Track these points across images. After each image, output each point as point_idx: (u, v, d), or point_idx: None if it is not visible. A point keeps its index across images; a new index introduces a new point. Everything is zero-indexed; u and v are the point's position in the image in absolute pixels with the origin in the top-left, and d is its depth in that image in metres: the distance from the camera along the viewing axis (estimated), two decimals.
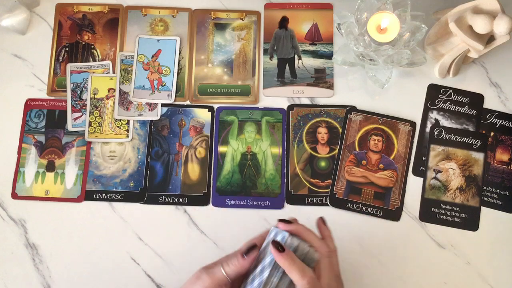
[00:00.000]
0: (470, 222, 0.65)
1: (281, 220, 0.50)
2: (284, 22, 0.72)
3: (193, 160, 0.67)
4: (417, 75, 0.70)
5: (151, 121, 0.68)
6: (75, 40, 0.71)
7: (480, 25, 0.58)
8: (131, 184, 0.66)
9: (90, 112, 0.68)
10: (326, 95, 0.69)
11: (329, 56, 0.70)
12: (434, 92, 0.69)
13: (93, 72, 0.69)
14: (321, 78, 0.70)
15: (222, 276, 0.48)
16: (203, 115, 0.68)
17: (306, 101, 0.69)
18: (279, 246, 0.47)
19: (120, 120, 0.68)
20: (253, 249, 0.49)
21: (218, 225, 0.64)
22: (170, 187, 0.66)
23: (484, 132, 0.68)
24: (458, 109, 0.68)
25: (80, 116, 0.68)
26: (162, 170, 0.66)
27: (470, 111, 0.68)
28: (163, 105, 0.68)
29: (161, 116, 0.68)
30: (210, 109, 0.68)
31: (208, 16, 0.72)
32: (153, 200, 0.65)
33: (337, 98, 0.69)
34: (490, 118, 0.68)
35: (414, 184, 0.66)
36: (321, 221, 0.54)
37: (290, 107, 0.68)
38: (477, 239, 0.65)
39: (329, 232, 0.53)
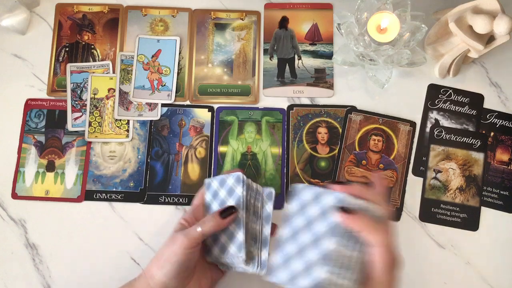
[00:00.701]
0: (470, 222, 0.65)
1: (336, 182, 0.50)
2: (284, 22, 0.72)
3: (193, 160, 0.67)
4: (417, 75, 0.70)
5: (151, 121, 0.68)
6: (75, 40, 0.71)
7: (480, 25, 0.58)
8: (131, 184, 0.66)
9: (90, 112, 0.68)
10: (326, 95, 0.69)
11: (329, 56, 0.70)
12: (434, 92, 0.69)
13: (93, 72, 0.69)
14: (321, 78, 0.70)
15: (197, 234, 0.50)
16: (203, 115, 0.68)
17: (306, 101, 0.69)
18: (342, 209, 0.44)
19: (120, 120, 0.68)
20: (231, 210, 0.51)
21: None
22: (170, 187, 0.66)
23: (484, 132, 0.68)
24: (458, 109, 0.68)
25: (80, 116, 0.68)
26: (162, 170, 0.66)
27: (470, 111, 0.68)
28: (163, 105, 0.68)
29: (161, 116, 0.68)
30: (210, 109, 0.68)
31: (208, 16, 0.72)
32: (153, 200, 0.65)
33: (337, 98, 0.69)
34: (490, 118, 0.68)
35: (414, 184, 0.66)
36: (378, 176, 0.55)
37: (290, 107, 0.68)
38: (477, 239, 0.65)
39: (385, 189, 0.52)
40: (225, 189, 0.55)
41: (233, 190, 0.54)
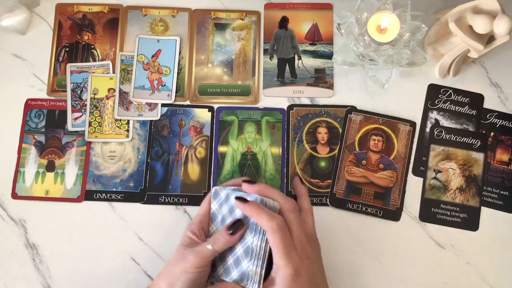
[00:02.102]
0: (470, 222, 0.65)
1: (244, 181, 0.51)
2: (284, 22, 0.72)
3: (193, 160, 0.67)
4: (417, 75, 0.70)
5: (151, 121, 0.68)
6: (75, 40, 0.71)
7: (480, 25, 0.58)
8: (131, 184, 0.66)
9: (90, 112, 0.68)
10: (326, 95, 0.69)
11: (329, 56, 0.70)
12: (434, 92, 0.69)
13: (93, 72, 0.69)
14: (321, 78, 0.70)
15: (209, 253, 0.49)
16: (203, 115, 0.68)
17: (306, 101, 0.69)
18: (242, 199, 0.49)
19: (120, 120, 0.68)
20: (239, 224, 0.50)
21: None
22: (170, 187, 0.66)
23: (484, 132, 0.68)
24: (458, 109, 0.68)
25: (80, 116, 0.68)
26: (162, 170, 0.66)
27: (470, 111, 0.68)
28: (163, 105, 0.68)
29: (161, 116, 0.68)
30: (210, 109, 0.68)
31: (208, 16, 0.72)
32: (153, 200, 0.65)
33: (337, 98, 0.69)
34: (490, 118, 0.68)
35: (414, 184, 0.66)
36: (298, 180, 0.58)
37: (290, 107, 0.68)
38: (477, 239, 0.65)
39: (305, 191, 0.55)
40: (227, 204, 0.54)
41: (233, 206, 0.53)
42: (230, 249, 0.50)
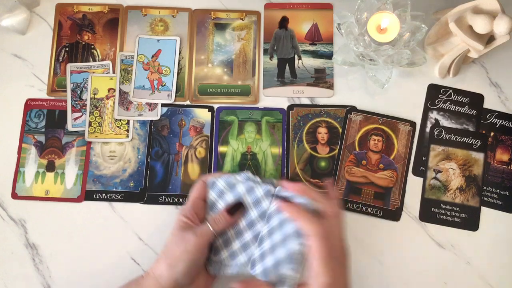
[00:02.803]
0: (470, 222, 0.65)
1: (288, 180, 0.52)
2: (284, 22, 0.72)
3: (193, 160, 0.67)
4: (417, 75, 0.70)
5: (151, 121, 0.68)
6: (75, 40, 0.71)
7: (480, 25, 0.58)
8: (131, 184, 0.66)
9: (90, 112, 0.68)
10: (326, 95, 0.69)
11: (329, 56, 0.70)
12: (434, 92, 0.69)
13: (93, 72, 0.69)
14: (321, 78, 0.70)
15: (209, 232, 0.50)
16: (203, 115, 0.68)
17: (306, 101, 0.69)
18: (283, 199, 0.49)
19: (120, 120, 0.68)
20: (239, 207, 0.51)
21: None
22: (170, 187, 0.66)
23: (484, 132, 0.68)
24: (458, 109, 0.68)
25: (80, 116, 0.68)
26: (162, 170, 0.66)
27: (470, 111, 0.68)
28: (163, 105, 0.68)
29: (161, 116, 0.68)
30: (210, 109, 0.68)
31: (208, 16, 0.72)
32: (153, 200, 0.65)
33: (337, 98, 0.69)
34: (490, 118, 0.68)
35: (414, 184, 0.66)
36: (331, 183, 0.56)
37: (290, 107, 0.68)
38: (477, 239, 0.65)
39: (334, 193, 0.54)
40: (231, 189, 0.55)
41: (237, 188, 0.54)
42: (272, 249, 0.50)
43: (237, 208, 0.52)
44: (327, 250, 0.45)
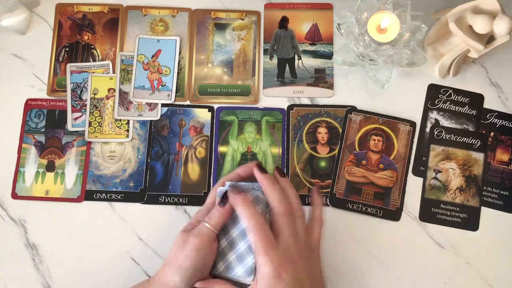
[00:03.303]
0: (470, 222, 0.65)
1: (258, 166, 0.51)
2: (284, 22, 0.72)
3: (193, 160, 0.67)
4: (417, 75, 0.70)
5: (151, 121, 0.68)
6: (75, 40, 0.71)
7: (480, 25, 0.58)
8: (131, 184, 0.66)
9: (90, 112, 0.68)
10: (326, 95, 0.69)
11: (329, 56, 0.70)
12: (434, 92, 0.69)
13: (93, 72, 0.69)
14: (321, 78, 0.70)
15: (208, 231, 0.48)
16: (203, 115, 0.68)
17: (306, 101, 0.69)
18: (261, 168, 0.49)
19: (120, 120, 0.68)
20: (226, 197, 0.49)
21: None
22: (170, 187, 0.66)
23: (484, 132, 0.68)
24: (458, 109, 0.68)
25: (80, 116, 0.68)
26: (162, 170, 0.66)
27: (470, 111, 0.68)
28: (163, 105, 0.68)
29: (161, 116, 0.68)
30: (210, 109, 0.68)
31: (208, 16, 0.72)
32: (153, 200, 0.65)
33: (337, 98, 0.69)
34: (490, 118, 0.68)
35: (414, 184, 0.66)
36: (316, 189, 0.56)
37: (290, 107, 0.68)
38: (477, 239, 0.65)
39: (320, 201, 0.54)
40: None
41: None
42: (231, 245, 0.50)
43: (225, 198, 0.50)
44: (263, 240, 0.45)
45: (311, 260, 0.49)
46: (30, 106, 0.68)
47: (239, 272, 0.49)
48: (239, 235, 0.50)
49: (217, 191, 0.53)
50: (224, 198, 0.49)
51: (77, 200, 0.65)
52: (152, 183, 0.66)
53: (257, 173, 0.50)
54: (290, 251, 0.47)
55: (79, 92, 0.69)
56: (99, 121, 0.68)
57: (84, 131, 0.67)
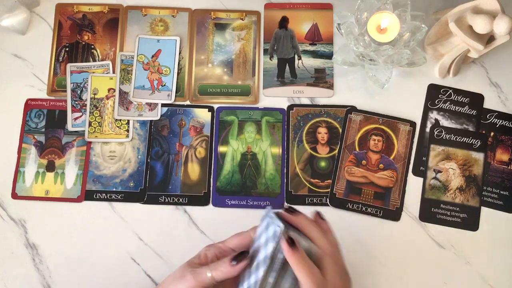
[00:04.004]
0: (470, 222, 0.65)
1: (287, 210, 0.48)
2: (284, 22, 0.72)
3: (193, 160, 0.67)
4: (417, 75, 0.70)
5: (151, 121, 0.68)
6: (75, 40, 0.71)
7: (480, 25, 0.58)
8: (131, 184, 0.66)
9: (90, 112, 0.68)
10: (326, 95, 0.69)
11: (329, 56, 0.70)
12: (434, 92, 0.69)
13: (93, 72, 0.69)
14: (321, 78, 0.70)
15: (207, 279, 0.47)
16: (203, 115, 0.68)
17: (306, 101, 0.69)
18: (290, 241, 0.45)
19: (120, 120, 0.68)
20: (243, 256, 0.47)
21: (218, 225, 0.64)
22: (170, 187, 0.66)
23: (484, 132, 0.68)
24: (458, 109, 0.68)
25: (80, 116, 0.68)
26: (162, 170, 0.66)
27: (470, 111, 0.68)
28: (163, 105, 0.68)
29: (161, 116, 0.68)
30: (210, 109, 0.68)
31: (208, 16, 0.72)
32: (153, 200, 0.65)
33: (337, 98, 0.69)
34: (490, 118, 0.68)
35: (414, 184, 0.66)
36: (318, 216, 0.52)
37: (290, 107, 0.68)
38: (477, 239, 0.65)
39: (327, 225, 0.51)
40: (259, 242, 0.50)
41: (258, 267, 0.47)
42: (257, 267, 0.46)
43: (242, 258, 0.47)
44: None
45: (349, 284, 0.50)
46: (30, 106, 0.68)
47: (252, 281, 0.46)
48: (262, 258, 0.46)
49: (243, 235, 0.50)
50: (239, 257, 0.47)
51: (77, 200, 0.65)
52: (152, 183, 0.66)
53: (286, 214, 0.48)
54: None
55: (79, 92, 0.69)
56: (99, 121, 0.68)
57: (84, 131, 0.67)
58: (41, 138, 0.67)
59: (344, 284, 0.49)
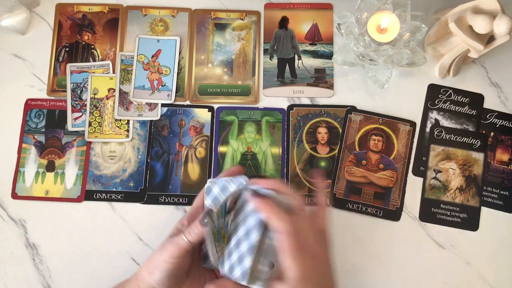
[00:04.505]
0: (470, 222, 0.65)
1: (258, 177, 0.51)
2: (284, 22, 0.72)
3: (193, 160, 0.67)
4: (417, 75, 0.70)
5: (151, 121, 0.68)
6: (75, 40, 0.71)
7: (480, 25, 0.58)
8: (131, 184, 0.66)
9: (90, 112, 0.68)
10: (326, 95, 0.69)
11: (329, 56, 0.70)
12: (434, 92, 0.69)
13: (93, 72, 0.69)
14: (321, 78, 0.70)
15: (185, 244, 0.49)
16: (203, 115, 0.68)
17: (306, 101, 0.69)
18: (256, 193, 0.49)
19: (120, 120, 0.68)
20: (206, 213, 0.49)
21: None
22: (170, 187, 0.66)
23: (484, 132, 0.68)
24: (458, 109, 0.68)
25: (80, 116, 0.68)
26: (162, 170, 0.66)
27: (470, 111, 0.68)
28: (163, 105, 0.68)
29: (161, 116, 0.68)
30: (210, 109, 0.68)
31: (208, 16, 0.72)
32: (153, 200, 0.65)
33: (337, 98, 0.69)
34: (490, 118, 0.68)
35: (414, 184, 0.66)
36: (321, 174, 0.56)
37: (290, 107, 0.68)
38: (477, 239, 0.65)
39: (325, 186, 0.53)
40: (225, 195, 0.53)
41: (249, 233, 0.50)
42: (237, 246, 0.50)
43: (210, 216, 0.50)
44: (296, 245, 0.46)
45: (326, 247, 0.51)
46: (30, 106, 0.68)
47: (237, 274, 0.49)
48: (244, 236, 0.50)
49: (204, 195, 0.53)
50: (205, 214, 0.49)
51: (77, 200, 0.65)
52: (152, 183, 0.66)
53: (261, 180, 0.51)
54: (312, 248, 0.48)
55: (79, 92, 0.69)
56: (99, 121, 0.68)
57: (84, 131, 0.67)
58: (41, 138, 0.67)
59: (318, 240, 0.49)
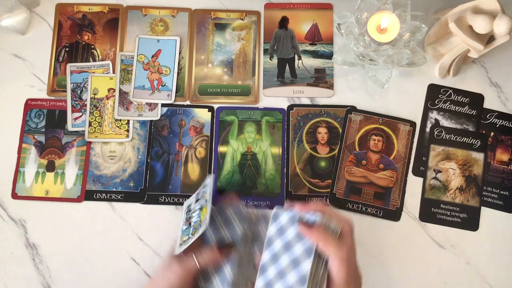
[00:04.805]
0: (470, 222, 0.65)
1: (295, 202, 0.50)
2: (284, 22, 0.72)
3: (193, 160, 0.67)
4: (417, 75, 0.70)
5: (151, 121, 0.68)
6: (75, 40, 0.71)
7: (480, 25, 0.58)
8: (131, 184, 0.66)
9: (90, 112, 0.68)
10: (326, 95, 0.69)
11: (329, 56, 0.70)
12: (434, 92, 0.69)
13: (93, 72, 0.69)
14: (321, 78, 0.70)
15: (193, 265, 0.49)
16: (203, 115, 0.68)
17: (306, 101, 0.69)
18: (305, 224, 0.47)
19: (120, 120, 0.68)
20: (229, 245, 0.50)
21: None
22: (170, 187, 0.66)
23: (484, 132, 0.68)
24: (458, 109, 0.68)
25: (80, 116, 0.68)
26: (162, 170, 0.66)
27: (470, 111, 0.68)
28: (163, 105, 0.68)
29: (161, 116, 0.68)
30: (210, 109, 0.68)
31: (208, 16, 0.72)
32: (153, 200, 0.65)
33: (337, 98, 0.69)
34: (490, 118, 0.68)
35: (414, 184, 0.66)
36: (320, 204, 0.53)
37: (290, 107, 0.68)
38: (477, 239, 0.65)
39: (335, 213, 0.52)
40: (223, 221, 0.53)
41: (298, 262, 0.48)
42: (280, 276, 0.47)
43: (227, 246, 0.50)
44: (348, 274, 0.45)
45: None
46: (30, 106, 0.68)
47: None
48: (290, 265, 0.47)
49: (218, 253, 0.52)
50: (227, 245, 0.50)
51: (77, 200, 0.65)
52: (152, 183, 0.66)
53: (305, 205, 0.50)
54: (358, 279, 0.48)
55: (79, 92, 0.69)
56: (99, 121, 0.68)
57: (84, 131, 0.67)
58: (41, 138, 0.67)
59: (358, 270, 0.49)
